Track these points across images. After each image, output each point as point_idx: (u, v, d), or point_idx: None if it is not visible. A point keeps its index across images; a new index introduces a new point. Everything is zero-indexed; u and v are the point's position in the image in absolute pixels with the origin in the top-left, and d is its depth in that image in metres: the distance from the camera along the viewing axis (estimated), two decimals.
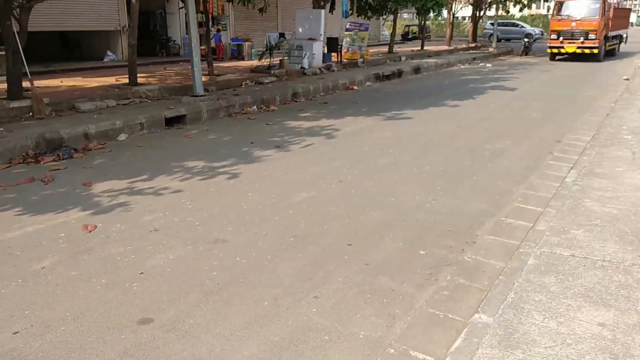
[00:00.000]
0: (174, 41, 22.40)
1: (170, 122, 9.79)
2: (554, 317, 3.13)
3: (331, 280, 3.84)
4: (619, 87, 13.45)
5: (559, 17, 22.96)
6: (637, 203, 4.97)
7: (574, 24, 22.28)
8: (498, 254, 4.18)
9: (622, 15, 27.33)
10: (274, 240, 4.55)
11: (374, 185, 6.08)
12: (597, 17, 21.89)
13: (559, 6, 23.34)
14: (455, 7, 31.00)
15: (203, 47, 15.59)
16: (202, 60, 12.00)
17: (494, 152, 7.49)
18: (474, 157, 7.24)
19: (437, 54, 24.91)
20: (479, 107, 11.40)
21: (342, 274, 3.93)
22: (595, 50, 22.03)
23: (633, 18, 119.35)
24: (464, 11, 37.47)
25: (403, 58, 21.94)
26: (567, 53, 22.69)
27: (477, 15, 32.37)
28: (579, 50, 22.25)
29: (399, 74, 17.82)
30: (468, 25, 38.88)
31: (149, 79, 13.60)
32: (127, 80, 12.03)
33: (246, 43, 21.68)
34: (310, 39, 17.15)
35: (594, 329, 3.00)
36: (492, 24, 33.56)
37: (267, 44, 16.51)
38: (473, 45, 30.39)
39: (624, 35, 28.47)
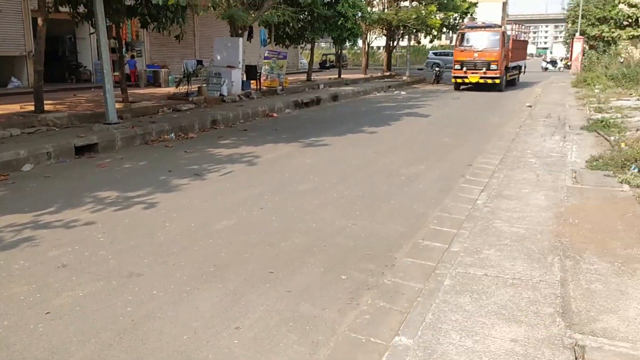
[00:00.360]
0: (85, 67, 21.60)
1: (81, 151, 9.36)
2: (470, 336, 3.23)
3: (253, 310, 3.77)
4: (522, 114, 14.36)
5: (462, 47, 23.56)
6: (542, 222, 5.28)
7: (476, 54, 22.85)
8: (416, 276, 4.28)
9: (520, 47, 28.49)
10: (193, 271, 4.42)
11: (295, 211, 6.08)
12: (498, 49, 22.60)
13: (461, 37, 24.03)
14: (370, 37, 32.10)
15: (116, 74, 15.13)
16: (115, 87, 11.63)
17: (410, 177, 7.73)
18: (391, 182, 7.43)
19: (354, 82, 25.60)
20: (395, 133, 11.78)
21: (264, 303, 3.87)
22: (497, 81, 22.64)
23: (532, 49, 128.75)
24: (379, 41, 38.90)
25: (321, 86, 22.36)
26: (470, 83, 23.27)
27: (391, 45, 33.67)
28: (482, 80, 22.80)
29: (318, 101, 18.11)
30: (383, 55, 40.31)
31: (58, 106, 12.97)
32: (32, 108, 11.42)
33: (163, 70, 21.28)
34: (228, 66, 17.11)
35: (507, 345, 3.12)
36: (436, 54, 34.97)
37: (184, 71, 16.28)
38: (388, 73, 31.50)
39: (523, 66, 29.66)
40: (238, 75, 17.59)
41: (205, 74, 17.23)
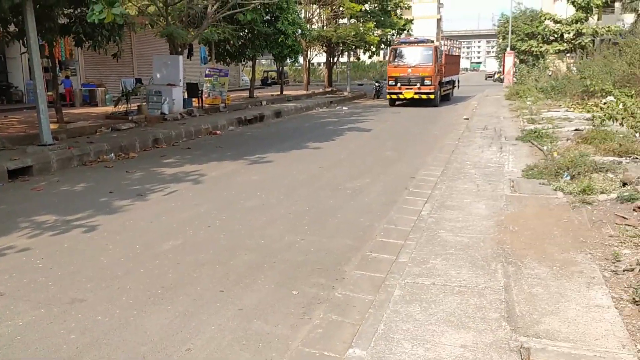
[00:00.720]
0: (16, 87, 20.75)
1: (15, 174, 8.96)
2: (421, 344, 3.29)
3: (204, 330, 3.70)
4: (460, 126, 14.85)
5: (395, 63, 23.37)
6: (484, 231, 5.46)
7: (409, 70, 22.70)
8: (366, 288, 4.32)
9: (453, 62, 28.76)
10: (140, 294, 4.30)
11: (242, 228, 6.03)
12: (431, 64, 22.53)
13: (394, 53, 23.80)
14: (311, 54, 32.46)
15: (50, 93, 14.62)
16: (50, 107, 11.22)
17: (355, 190, 7.83)
18: (337, 196, 7.50)
19: (297, 98, 25.77)
20: (339, 148, 11.91)
21: (216, 322, 3.81)
22: (432, 96, 22.57)
23: (467, 64, 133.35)
24: (319, 57, 39.39)
25: (264, 102, 22.37)
26: (405, 99, 23.09)
27: (331, 61, 34.15)
28: (416, 96, 22.63)
29: (261, 118, 18.10)
30: (323, 71, 40.80)
31: None
32: None
33: (99, 89, 20.72)
34: (169, 84, 16.86)
35: (457, 351, 3.20)
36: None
37: (123, 90, 15.92)
38: (329, 89, 31.90)
39: (457, 81, 30.01)
40: (179, 93, 17.36)
41: (145, 92, 16.91)
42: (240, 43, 21.87)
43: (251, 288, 4.41)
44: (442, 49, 25.15)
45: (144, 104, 16.24)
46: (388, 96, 23.72)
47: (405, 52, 23.38)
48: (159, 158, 10.82)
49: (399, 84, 22.93)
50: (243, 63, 31.23)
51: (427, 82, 22.48)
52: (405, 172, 9.03)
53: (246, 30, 21.14)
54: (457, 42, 32.91)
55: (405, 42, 24.70)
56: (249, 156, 10.77)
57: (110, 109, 16.91)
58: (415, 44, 23.85)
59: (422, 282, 4.25)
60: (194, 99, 18.60)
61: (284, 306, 4.07)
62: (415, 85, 22.58)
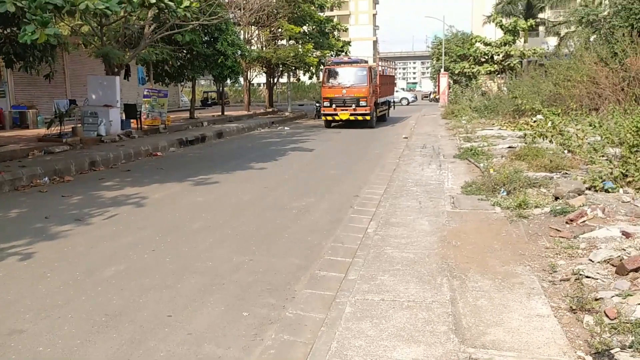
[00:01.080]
0: None
1: None
2: None
3: (153, 357, 3.61)
4: (400, 145, 15.23)
5: (330, 84, 22.53)
6: (428, 247, 5.62)
7: (344, 91, 22.00)
8: (317, 306, 4.35)
9: (388, 82, 27.99)
10: (83, 323, 4.14)
11: (189, 250, 5.93)
12: (366, 84, 21.87)
13: (328, 73, 22.91)
14: (251, 74, 32.51)
15: None
16: None
17: (301, 209, 7.87)
18: (284, 215, 7.51)
19: (238, 118, 25.67)
20: (283, 168, 11.95)
21: (164, 349, 3.72)
22: (368, 117, 21.99)
23: (403, 84, 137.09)
24: (260, 78, 39.47)
25: (205, 123, 22.15)
26: (341, 120, 22.34)
27: (272, 82, 34.31)
28: (352, 117, 22.00)
29: (203, 139, 17.91)
30: (264, 92, 40.92)
31: None
32: None
33: (30, 110, 19.88)
34: (105, 105, 16.43)
35: None
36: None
37: (56, 111, 15.36)
38: (270, 110, 31.98)
39: (392, 101, 29.61)
40: (117, 115, 16.93)
41: (80, 114, 16.39)
42: (179, 64, 21.63)
43: (200, 311, 4.34)
44: (377, 69, 24.61)
45: (79, 125, 15.73)
46: (323, 117, 23.00)
47: (339, 73, 22.69)
48: (97, 181, 10.49)
49: (334, 105, 22.24)
50: (182, 84, 30.90)
51: (362, 103, 21.87)
52: (350, 191, 9.16)
53: (185, 51, 20.95)
54: (392, 63, 32.82)
55: (338, 63, 23.98)
56: (193, 177, 10.62)
57: (42, 131, 16.27)
58: (349, 65, 23.22)
59: (371, 298, 4.31)
60: (132, 121, 18.19)
61: (235, 328, 4.03)
62: (351, 106, 21.98)
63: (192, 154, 14.80)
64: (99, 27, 16.47)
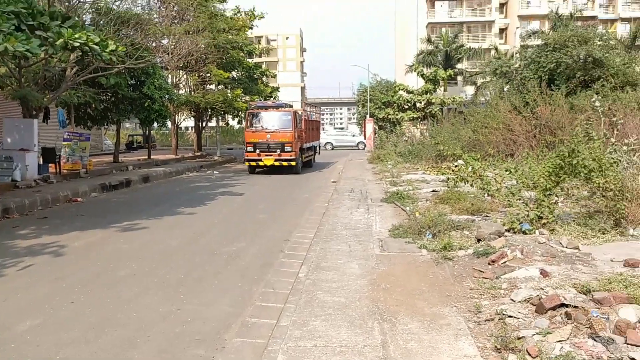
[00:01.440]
0: None
1: None
2: None
3: None
4: (329, 189, 15.42)
5: (253, 129, 21.72)
6: (359, 290, 5.67)
7: (269, 135, 21.19)
8: (248, 355, 4.25)
9: (314, 127, 27.19)
10: None
11: (112, 302, 5.66)
12: (291, 129, 21.16)
13: (251, 118, 22.06)
14: (179, 118, 32.17)
15: None
16: None
17: (231, 255, 7.74)
18: (213, 261, 7.36)
19: (165, 162, 25.17)
20: (212, 212, 11.76)
21: None
22: (293, 163, 21.20)
23: (331, 129, 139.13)
24: (188, 122, 39.10)
25: (130, 167, 21.55)
26: (265, 166, 21.50)
27: (200, 126, 34.08)
28: (277, 163, 21.14)
29: (128, 183, 17.38)
30: (192, 135, 40.50)
31: None
32: None
33: None
34: (22, 149, 15.67)
35: None
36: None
37: None
38: (199, 153, 31.63)
39: (318, 147, 28.60)
40: (34, 159, 16.16)
41: None
42: (102, 107, 21.10)
43: None
44: (302, 114, 23.73)
45: None
46: (246, 163, 22.05)
47: (263, 117, 21.89)
48: (11, 229, 9.87)
49: (257, 150, 21.34)
50: (106, 127, 30.05)
51: (287, 148, 21.10)
52: (280, 235, 9.13)
53: (109, 94, 20.49)
54: (318, 108, 31.84)
55: (262, 107, 22.98)
56: (117, 224, 10.23)
57: None
58: (274, 109, 22.42)
59: (304, 344, 4.27)
60: (50, 165, 17.40)
61: None
62: (275, 151, 21.16)
63: (116, 199, 14.30)
64: (17, 69, 15.85)
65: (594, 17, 49.44)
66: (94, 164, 20.21)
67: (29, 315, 5.23)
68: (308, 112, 26.33)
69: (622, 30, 46.94)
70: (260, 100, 30.13)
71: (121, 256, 7.69)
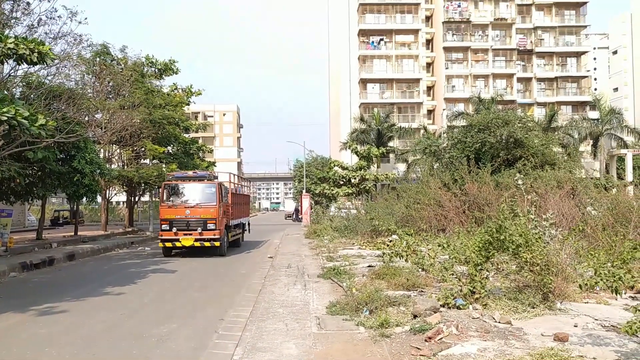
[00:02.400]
0: None
1: None
2: None
3: None
4: (265, 265, 15.19)
5: (170, 203, 18.50)
6: None
7: (188, 211, 18.22)
8: None
9: (243, 202, 24.80)
10: None
11: None
12: (215, 204, 18.32)
13: (168, 190, 18.86)
14: (110, 192, 31.27)
15: None
16: None
17: (162, 337, 7.36)
18: (142, 345, 6.96)
19: (93, 239, 24.13)
20: (142, 292, 11.25)
21: None
22: (217, 243, 18.15)
23: (267, 204, 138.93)
24: (120, 196, 38.04)
25: (55, 244, 20.48)
26: (184, 246, 18.38)
27: (132, 200, 33.21)
28: (197, 243, 18.06)
29: (51, 261, 16.45)
30: (124, 210, 39.32)
31: None
32: None
33: None
34: None
35: None
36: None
37: None
38: (130, 229, 30.60)
39: (247, 224, 25.83)
40: None
41: None
42: (28, 181, 20.23)
43: None
44: (228, 186, 21.25)
45: None
46: (160, 244, 18.52)
47: (182, 190, 18.88)
48: None
49: (174, 229, 18.09)
50: (30, 202, 28.71)
51: (210, 225, 18.15)
52: (215, 314, 8.82)
53: (36, 168, 19.73)
54: (248, 182, 28.52)
55: (182, 178, 19.68)
56: (36, 306, 9.56)
57: None
58: (195, 180, 19.24)
59: None
60: None
61: None
62: (196, 230, 18.12)
63: (37, 280, 13.44)
64: None
65: (513, 101, 53.30)
66: (15, 241, 19.10)
67: None
68: (236, 185, 23.83)
69: (539, 114, 50.77)
70: (178, 171, 26.16)
71: (39, 342, 7.13)
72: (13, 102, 11.09)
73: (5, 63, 14.96)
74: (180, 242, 18.09)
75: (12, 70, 17.51)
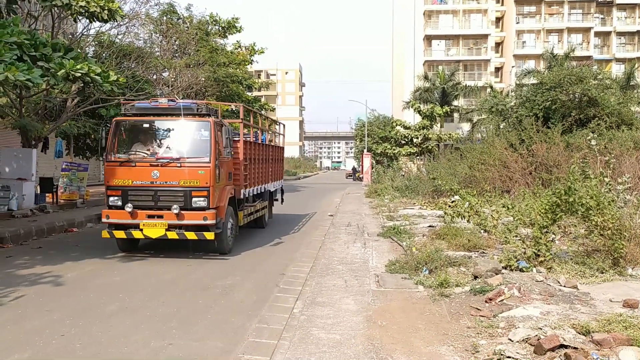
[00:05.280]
0: None
1: None
2: None
3: None
4: (325, 222, 15.35)
5: (124, 157, 10.21)
6: (354, 327, 5.58)
7: (156, 173, 9.82)
8: None
9: (268, 157, 14.45)
10: None
11: (103, 335, 5.55)
12: (207, 160, 9.86)
13: (123, 134, 10.48)
14: None
15: None
16: None
17: (225, 289, 7.65)
18: (207, 295, 7.26)
19: None
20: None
21: None
22: (210, 234, 9.80)
23: (328, 163, 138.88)
24: None
25: None
26: (148, 237, 10.04)
27: None
28: (172, 234, 9.78)
29: None
30: None
31: None
32: None
33: None
34: (19, 178, 15.64)
35: None
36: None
37: None
38: None
39: (279, 191, 16.48)
40: (31, 188, 16.12)
41: None
42: None
43: None
44: (239, 130, 11.91)
45: None
46: (106, 234, 10.18)
47: (147, 133, 10.56)
48: (4, 259, 9.76)
49: (130, 205, 9.90)
50: (102, 158, 30.11)
51: (198, 200, 9.84)
52: (274, 269, 9.04)
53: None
54: (280, 126, 18.15)
55: (146, 111, 10.54)
56: (110, 256, 10.13)
57: None
58: (171, 116, 10.35)
59: None
60: (48, 195, 17.35)
61: None
62: (170, 208, 9.77)
63: None
64: (18, 99, 15.97)
65: (588, 57, 50.24)
66: (92, 194, 20.15)
67: (17, 349, 5.13)
68: (255, 129, 13.79)
69: (617, 71, 47.72)
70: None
71: (113, 289, 7.58)
72: (86, 60, 11.50)
73: (79, 21, 15.52)
74: (140, 231, 9.81)
75: (85, 30, 18.15)
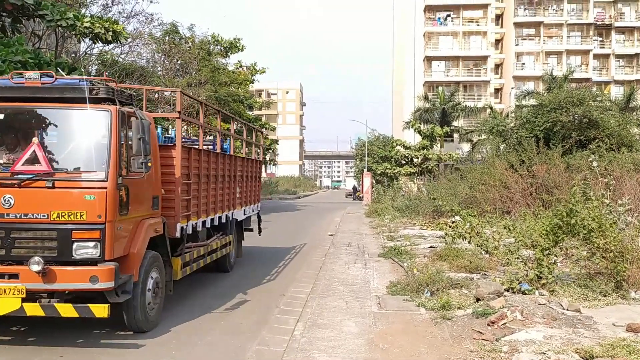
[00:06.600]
0: None
1: None
2: None
3: None
4: (326, 242, 15.28)
5: None
6: (356, 350, 5.53)
7: (9, 197, 5.55)
8: None
9: (240, 174, 11.13)
10: None
11: None
12: (101, 174, 5.71)
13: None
14: None
15: None
16: None
17: (226, 309, 7.58)
18: (207, 316, 7.19)
19: None
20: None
21: None
22: (102, 310, 5.48)
23: (328, 182, 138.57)
24: None
25: None
26: None
27: None
28: (32, 307, 5.43)
29: None
30: None
31: None
32: None
33: None
34: None
35: None
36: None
37: None
38: None
39: (250, 218, 12.39)
40: None
41: None
42: None
43: None
44: (149, 120, 6.54)
45: None
46: None
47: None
48: None
49: None
50: None
51: (82, 246, 5.58)
52: (275, 289, 8.98)
53: None
54: (261, 134, 16.00)
55: (3, 92, 6.06)
56: None
57: None
58: (43, 101, 6.05)
59: None
60: None
61: None
62: (29, 260, 5.41)
63: None
64: None
65: (588, 79, 50.57)
66: None
67: None
68: (213, 134, 11.75)
69: (616, 93, 47.98)
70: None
71: None
72: None
73: (82, 42, 15.66)
74: None
75: (88, 49, 18.32)
